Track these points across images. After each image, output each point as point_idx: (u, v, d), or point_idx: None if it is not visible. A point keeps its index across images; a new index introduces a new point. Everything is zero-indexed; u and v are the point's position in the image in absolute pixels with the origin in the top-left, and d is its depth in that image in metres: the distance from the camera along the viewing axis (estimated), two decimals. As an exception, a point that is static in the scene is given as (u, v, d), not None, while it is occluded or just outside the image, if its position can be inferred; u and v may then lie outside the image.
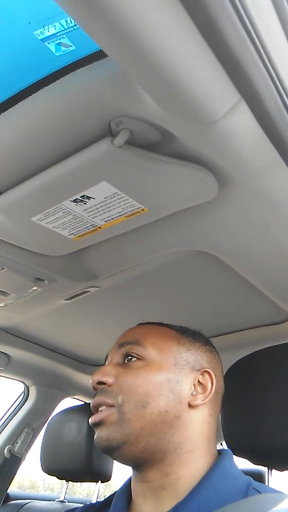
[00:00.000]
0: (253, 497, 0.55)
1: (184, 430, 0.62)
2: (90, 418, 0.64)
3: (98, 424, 0.62)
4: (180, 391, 0.63)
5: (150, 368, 0.63)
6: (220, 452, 0.66)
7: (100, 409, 0.63)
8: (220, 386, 0.68)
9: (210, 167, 0.62)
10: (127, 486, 0.67)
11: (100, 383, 0.64)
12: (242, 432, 0.80)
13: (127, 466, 0.65)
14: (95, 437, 0.62)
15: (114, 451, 0.60)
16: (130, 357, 0.65)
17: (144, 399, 0.61)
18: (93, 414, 0.64)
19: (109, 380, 0.63)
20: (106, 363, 0.69)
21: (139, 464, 0.62)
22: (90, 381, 0.66)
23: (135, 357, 0.65)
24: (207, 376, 0.65)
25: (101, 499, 0.75)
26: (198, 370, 0.65)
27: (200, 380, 0.65)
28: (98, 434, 0.62)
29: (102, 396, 0.63)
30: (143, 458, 0.61)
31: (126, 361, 0.65)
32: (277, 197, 0.65)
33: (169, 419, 0.61)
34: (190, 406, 0.63)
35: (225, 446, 0.83)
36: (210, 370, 0.66)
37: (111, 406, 0.61)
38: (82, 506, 0.74)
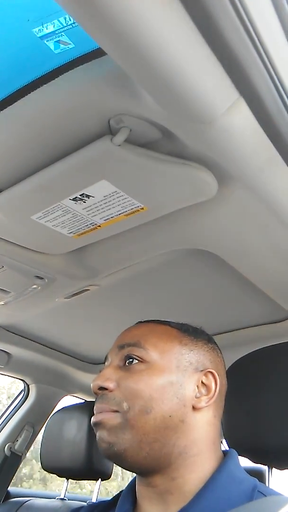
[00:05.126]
0: (258, 501, 0.54)
1: (189, 434, 0.60)
2: (92, 418, 0.62)
3: (99, 424, 0.60)
4: (184, 394, 0.61)
5: (152, 372, 0.61)
6: (225, 453, 0.64)
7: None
8: (223, 384, 0.66)
9: (210, 166, 0.61)
10: (133, 486, 0.65)
11: (101, 388, 0.62)
12: (243, 431, 0.80)
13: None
14: (97, 437, 0.61)
15: (116, 456, 0.59)
16: (131, 360, 0.63)
17: (148, 403, 0.59)
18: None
19: (110, 385, 0.61)
20: (105, 364, 0.67)
21: (144, 471, 0.60)
22: (91, 385, 0.63)
23: (136, 359, 0.62)
24: (210, 376, 0.63)
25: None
26: (201, 371, 0.63)
27: (204, 381, 0.63)
28: (100, 435, 0.60)
29: (104, 404, 0.60)
30: (147, 464, 0.59)
31: (127, 363, 0.63)
32: (276, 195, 0.65)
33: (173, 424, 0.59)
34: (194, 408, 0.61)
35: (225, 444, 0.83)
36: (213, 370, 0.64)
37: (115, 412, 0.60)
38: (86, 506, 0.73)
